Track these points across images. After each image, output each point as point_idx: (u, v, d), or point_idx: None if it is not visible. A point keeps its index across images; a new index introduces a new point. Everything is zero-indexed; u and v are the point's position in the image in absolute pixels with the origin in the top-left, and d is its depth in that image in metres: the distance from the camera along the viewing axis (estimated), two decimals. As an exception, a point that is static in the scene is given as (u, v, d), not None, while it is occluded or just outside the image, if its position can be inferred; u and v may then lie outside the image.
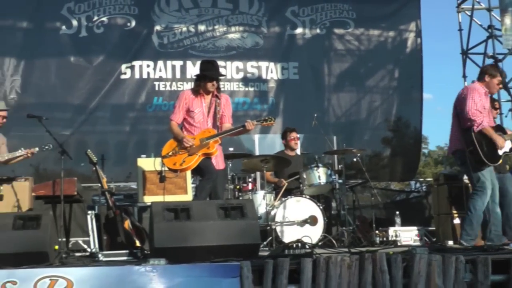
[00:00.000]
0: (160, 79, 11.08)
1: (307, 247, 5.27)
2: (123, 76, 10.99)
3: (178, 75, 11.10)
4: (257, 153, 9.47)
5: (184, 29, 11.23)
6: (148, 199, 7.95)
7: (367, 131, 11.70)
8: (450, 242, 7.56)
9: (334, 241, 7.64)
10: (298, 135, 8.81)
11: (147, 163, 8.13)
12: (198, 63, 6.77)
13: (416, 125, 11.99)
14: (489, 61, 7.34)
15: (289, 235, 7.35)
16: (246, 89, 11.43)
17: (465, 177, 7.81)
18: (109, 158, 10.05)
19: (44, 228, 5.26)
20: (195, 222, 5.20)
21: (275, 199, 7.84)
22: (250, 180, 8.40)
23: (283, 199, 7.69)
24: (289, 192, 7.96)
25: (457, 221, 8.20)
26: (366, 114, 11.72)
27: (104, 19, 10.97)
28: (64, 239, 7.47)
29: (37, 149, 7.52)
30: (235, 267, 4.55)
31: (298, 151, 8.96)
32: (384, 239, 7.95)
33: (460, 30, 12.01)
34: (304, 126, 9.49)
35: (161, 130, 10.00)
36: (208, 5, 11.34)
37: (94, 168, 7.74)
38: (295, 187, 8.15)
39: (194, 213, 5.25)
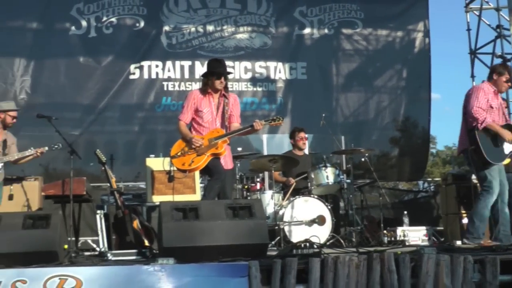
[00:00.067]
0: (169, 79, 11.12)
1: (315, 247, 5.27)
2: (132, 76, 11.03)
3: (186, 75, 11.14)
4: (265, 153, 9.48)
5: (193, 29, 11.26)
6: (156, 199, 7.99)
7: (375, 131, 11.69)
8: (459, 242, 7.53)
9: (342, 241, 7.65)
10: (306, 135, 8.82)
11: (156, 163, 8.17)
12: (207, 63, 6.78)
13: (424, 125, 11.96)
14: (498, 61, 7.32)
15: (297, 234, 7.35)
16: (255, 89, 11.45)
17: (474, 176, 7.81)
18: (118, 158, 10.09)
19: (54, 228, 5.27)
20: (203, 222, 5.21)
21: (283, 199, 7.85)
22: (258, 180, 8.41)
23: (291, 198, 7.70)
24: (297, 192, 7.97)
25: (465, 221, 8.17)
26: (374, 114, 11.71)
27: (113, 19, 11.02)
28: (73, 239, 7.55)
29: (46, 148, 7.57)
30: (243, 267, 4.54)
31: (306, 151, 8.96)
32: (392, 239, 7.94)
33: (469, 30, 11.99)
34: (312, 126, 9.49)
35: (169, 130, 10.04)
36: (217, 6, 11.36)
37: (103, 168, 7.79)
38: (303, 187, 8.15)
39: (202, 213, 5.25)
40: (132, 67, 11.02)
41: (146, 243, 7.39)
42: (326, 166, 8.00)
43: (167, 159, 6.81)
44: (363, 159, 8.86)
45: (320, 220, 7.54)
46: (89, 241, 8.76)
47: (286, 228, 7.47)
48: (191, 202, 6.19)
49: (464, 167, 10.01)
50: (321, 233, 7.27)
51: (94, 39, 10.94)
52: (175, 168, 6.57)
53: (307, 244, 5.32)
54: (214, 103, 6.46)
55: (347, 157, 9.03)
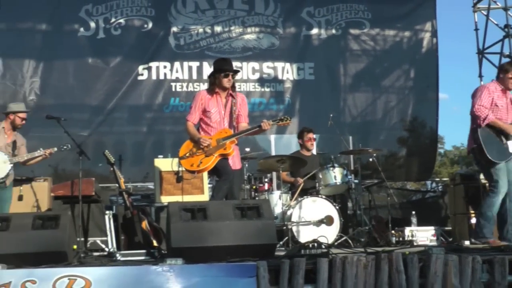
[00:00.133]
0: (177, 80, 11.16)
1: (323, 247, 5.28)
2: (140, 77, 11.07)
3: (194, 76, 11.17)
4: (273, 153, 9.50)
5: (201, 30, 11.29)
6: (165, 199, 8.01)
7: (383, 131, 11.68)
8: (467, 242, 7.51)
9: (350, 241, 7.65)
10: (315, 136, 8.82)
11: (164, 164, 8.19)
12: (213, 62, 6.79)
13: (432, 125, 11.94)
14: (506, 61, 7.31)
15: (305, 235, 7.35)
16: (262, 89, 11.46)
17: (482, 176, 7.80)
18: (127, 159, 10.16)
19: (63, 228, 5.30)
20: (211, 222, 5.22)
21: (291, 199, 7.85)
22: (266, 180, 8.42)
23: (299, 199, 7.69)
24: (305, 192, 7.96)
25: (473, 221, 8.15)
26: (382, 114, 11.70)
27: (122, 20, 11.06)
28: (82, 239, 7.57)
29: (55, 149, 7.62)
30: (251, 267, 4.55)
31: (314, 151, 8.96)
32: (400, 239, 7.92)
33: (476, 29, 11.95)
34: (320, 126, 9.49)
35: (177, 130, 10.05)
36: (224, 6, 11.39)
37: (111, 169, 7.80)
38: (311, 187, 8.16)
39: (210, 213, 5.27)
40: (140, 68, 11.07)
41: (155, 243, 7.40)
42: (334, 166, 8.00)
43: (176, 160, 6.83)
44: (371, 159, 8.86)
45: (328, 220, 7.53)
46: (98, 242, 8.80)
47: (294, 228, 7.47)
48: (199, 202, 6.22)
49: (472, 167, 10.00)
50: (329, 233, 7.25)
51: (102, 40, 11.00)
52: (183, 169, 6.58)
53: (315, 244, 5.32)
54: (222, 103, 6.45)
55: (355, 157, 9.03)
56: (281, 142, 10.64)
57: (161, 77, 11.15)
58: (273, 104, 11.46)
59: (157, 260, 5.89)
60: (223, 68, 6.43)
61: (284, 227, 7.46)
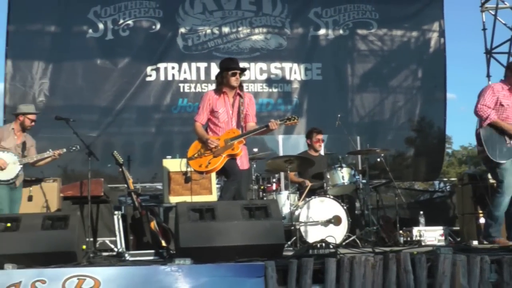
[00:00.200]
0: (185, 80, 11.20)
1: (331, 247, 5.29)
2: (148, 78, 11.12)
3: (202, 77, 11.21)
4: (281, 153, 9.51)
5: (208, 31, 11.32)
6: (173, 200, 8.03)
7: (390, 131, 11.67)
8: (475, 242, 7.52)
9: (358, 241, 7.65)
10: (323, 137, 8.83)
11: (173, 164, 8.22)
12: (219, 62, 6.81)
13: (439, 125, 11.91)
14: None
15: (313, 235, 7.36)
16: (270, 90, 11.48)
17: (490, 176, 7.78)
18: (135, 159, 10.18)
19: (72, 228, 5.31)
20: (220, 222, 5.23)
21: (299, 199, 7.85)
22: (274, 180, 8.41)
23: (307, 199, 7.69)
24: (313, 192, 7.97)
25: (482, 220, 8.14)
26: (389, 114, 11.69)
27: (130, 22, 11.11)
28: (91, 239, 7.59)
29: (64, 150, 7.67)
30: (259, 267, 4.55)
31: (322, 152, 8.97)
32: (408, 239, 7.93)
33: (484, 29, 11.93)
34: (327, 127, 9.47)
35: (186, 131, 10.07)
36: (232, 7, 11.41)
37: (120, 169, 7.83)
38: (319, 187, 8.16)
39: (219, 214, 5.28)
40: (149, 69, 11.11)
41: (163, 243, 7.41)
42: (341, 167, 8.00)
43: (184, 160, 6.85)
44: (378, 159, 8.85)
45: (336, 220, 7.53)
46: (107, 242, 8.83)
47: (302, 229, 7.48)
48: (207, 202, 6.25)
49: (480, 167, 9.96)
50: (337, 233, 7.27)
51: (111, 41, 11.05)
52: (191, 169, 6.59)
53: (323, 244, 5.33)
54: (230, 102, 6.44)
55: (363, 157, 9.03)
56: (289, 143, 10.66)
57: (169, 78, 11.19)
58: (281, 104, 11.47)
59: (165, 260, 5.91)
60: (230, 67, 6.43)
61: (292, 227, 7.47)
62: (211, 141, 6.22)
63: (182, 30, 11.28)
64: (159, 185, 9.72)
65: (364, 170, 8.55)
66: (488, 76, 11.70)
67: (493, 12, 11.75)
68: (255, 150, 8.42)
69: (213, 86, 6.71)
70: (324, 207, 7.62)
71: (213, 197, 8.02)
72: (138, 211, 7.69)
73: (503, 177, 6.49)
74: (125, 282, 4.48)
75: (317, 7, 11.67)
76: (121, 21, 11.06)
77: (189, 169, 7.16)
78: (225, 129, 6.37)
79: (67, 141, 7.95)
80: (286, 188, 8.26)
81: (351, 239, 7.62)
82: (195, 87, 11.19)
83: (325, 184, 8.00)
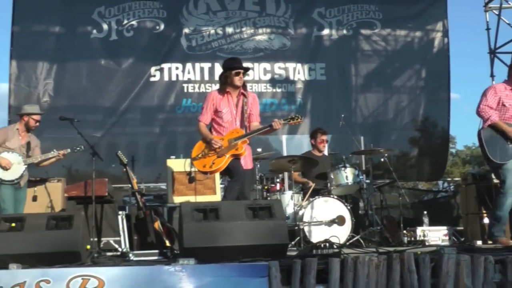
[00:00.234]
0: (189, 81, 11.22)
1: (335, 247, 5.30)
2: (152, 79, 11.14)
3: (206, 77, 11.22)
4: (284, 153, 9.50)
5: (212, 31, 11.34)
6: (177, 200, 8.05)
7: (394, 131, 11.66)
8: (479, 242, 7.52)
9: (362, 241, 7.66)
10: (327, 138, 8.83)
11: (176, 164, 8.23)
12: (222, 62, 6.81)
13: (443, 125, 11.89)
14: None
15: (317, 235, 7.35)
16: (274, 90, 11.49)
17: (494, 176, 7.78)
18: (139, 159, 10.21)
19: (76, 228, 5.33)
20: (223, 222, 5.24)
21: (303, 199, 7.86)
22: (278, 180, 8.42)
23: (311, 199, 7.69)
24: (316, 192, 7.97)
25: (486, 220, 8.13)
26: (393, 114, 11.69)
27: (134, 22, 11.14)
28: (95, 239, 7.61)
29: (69, 150, 7.69)
30: (263, 267, 4.56)
31: (326, 152, 8.97)
32: (412, 239, 7.92)
33: (488, 29, 11.92)
34: (331, 127, 9.46)
35: (190, 131, 10.10)
36: (236, 8, 11.42)
37: (124, 169, 7.83)
38: (322, 187, 8.17)
39: (222, 214, 5.29)
40: (153, 69, 11.13)
41: (167, 243, 7.42)
42: (345, 167, 8.02)
43: (188, 160, 6.85)
44: (382, 159, 8.86)
45: (340, 220, 7.53)
46: (111, 242, 8.85)
47: (306, 229, 7.48)
48: (211, 203, 6.25)
49: (484, 167, 9.95)
50: (341, 233, 7.27)
51: (115, 42, 11.08)
52: (196, 170, 6.61)
53: (327, 244, 5.35)
54: (233, 102, 6.45)
55: (367, 157, 9.04)
56: (293, 143, 10.65)
57: (173, 78, 11.21)
58: (285, 104, 11.48)
59: (169, 260, 5.91)
60: (233, 66, 6.44)
61: (296, 227, 7.47)
62: (215, 142, 6.23)
63: (186, 30, 11.30)
64: (163, 185, 9.72)
65: (368, 170, 8.55)
66: (492, 76, 11.69)
67: (496, 12, 11.74)
68: (259, 150, 8.43)
69: (217, 87, 6.71)
70: (328, 207, 7.62)
71: (217, 197, 8.03)
72: (142, 211, 7.69)
73: (505, 177, 6.49)
74: (129, 282, 4.49)
75: (320, 7, 11.66)
76: (125, 21, 11.09)
77: (193, 169, 7.16)
78: (229, 129, 6.38)
79: (72, 141, 7.98)
80: (290, 188, 8.26)
81: (354, 239, 7.61)
82: (199, 87, 11.21)
83: (329, 184, 8.01)
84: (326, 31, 11.66)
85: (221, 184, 8.32)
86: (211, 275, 4.54)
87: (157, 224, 7.59)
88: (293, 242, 7.27)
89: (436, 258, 4.75)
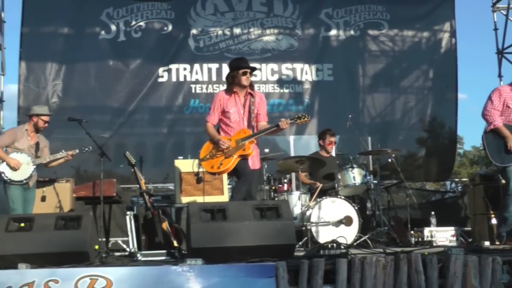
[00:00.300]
0: (197, 81, 11.24)
1: (342, 247, 5.30)
2: (160, 79, 11.17)
3: (214, 78, 11.25)
4: (292, 154, 9.51)
5: (220, 32, 11.36)
6: (185, 200, 8.07)
7: (401, 131, 11.65)
8: (487, 243, 7.50)
9: (369, 242, 7.65)
10: (335, 139, 8.83)
11: (184, 165, 8.26)
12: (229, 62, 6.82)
13: (451, 125, 11.88)
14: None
15: (324, 235, 7.35)
16: (281, 90, 11.50)
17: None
18: (147, 160, 10.22)
19: (85, 229, 5.36)
20: (231, 223, 5.25)
21: (310, 200, 7.87)
22: (285, 181, 8.42)
23: (318, 199, 7.70)
24: (324, 193, 7.98)
25: (493, 221, 8.12)
26: (400, 115, 11.68)
27: (142, 23, 11.17)
28: (104, 239, 7.62)
29: (77, 150, 7.72)
30: (270, 267, 4.57)
31: (333, 153, 8.97)
32: (420, 239, 7.90)
33: (496, 29, 11.90)
34: (339, 127, 9.45)
35: (197, 132, 10.11)
36: (243, 9, 11.45)
37: (132, 170, 7.86)
38: (330, 187, 8.17)
39: (230, 214, 5.30)
40: (161, 70, 11.17)
41: (175, 243, 7.44)
42: (353, 167, 8.01)
43: (196, 161, 6.87)
44: (390, 160, 8.85)
45: (347, 221, 7.54)
46: (119, 242, 8.88)
47: (313, 229, 7.48)
48: (219, 203, 6.26)
49: (491, 167, 9.93)
50: (348, 234, 7.26)
51: (123, 43, 11.12)
52: (203, 170, 6.61)
53: (334, 244, 5.35)
54: (241, 102, 6.44)
55: (374, 157, 9.03)
56: (300, 143, 10.66)
57: (181, 79, 11.24)
58: (292, 105, 11.48)
59: (177, 260, 5.93)
60: (240, 66, 6.45)
61: (303, 228, 7.48)
62: (223, 142, 6.23)
63: (194, 31, 11.32)
64: (171, 186, 9.74)
65: (375, 171, 8.55)
66: (500, 76, 11.66)
67: (504, 12, 11.71)
68: (267, 150, 8.44)
69: (225, 87, 6.72)
70: (335, 208, 7.63)
71: (224, 197, 8.05)
72: (150, 212, 7.72)
73: (509, 179, 6.49)
74: (137, 282, 4.51)
75: (328, 8, 11.67)
76: (133, 22, 11.13)
77: (200, 170, 7.18)
78: (237, 129, 6.37)
79: (80, 142, 8.01)
80: (298, 188, 8.27)
81: (362, 239, 7.62)
82: (206, 88, 11.24)
83: (336, 185, 8.01)
84: (333, 32, 11.67)
85: (228, 184, 8.33)
86: (218, 275, 4.55)
87: (165, 225, 7.61)
88: (300, 243, 7.27)
89: (443, 259, 4.74)
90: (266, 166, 8.29)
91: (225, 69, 10.88)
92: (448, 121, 11.86)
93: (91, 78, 10.97)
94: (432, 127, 11.87)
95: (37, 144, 7.65)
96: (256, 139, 6.42)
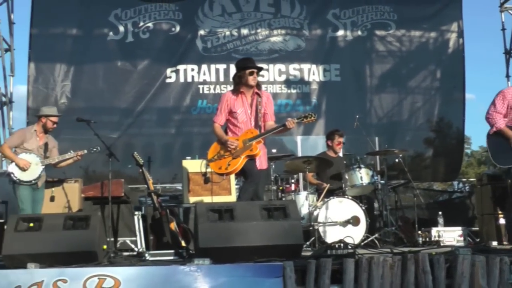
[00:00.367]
0: (204, 82, 11.28)
1: (349, 247, 5.31)
2: (168, 80, 11.22)
3: (221, 78, 11.28)
4: (299, 154, 9.52)
5: (227, 33, 11.39)
6: (193, 200, 8.09)
7: (409, 131, 11.64)
8: (494, 243, 7.49)
9: (376, 242, 7.66)
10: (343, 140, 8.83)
11: (192, 165, 8.27)
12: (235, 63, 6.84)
13: (458, 125, 11.86)
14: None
15: (331, 235, 7.36)
16: (289, 91, 11.52)
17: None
18: (155, 160, 10.22)
19: (93, 228, 5.39)
20: (238, 223, 5.26)
21: (317, 200, 7.88)
22: (293, 181, 8.43)
23: (326, 199, 7.71)
24: (331, 193, 7.99)
25: (501, 221, 8.11)
26: (408, 115, 11.67)
27: (150, 24, 11.22)
28: (112, 239, 7.66)
29: (85, 151, 7.74)
30: (278, 267, 4.58)
31: (340, 153, 8.97)
32: (427, 239, 7.91)
33: (503, 29, 11.89)
34: (346, 127, 9.43)
35: (205, 132, 10.15)
36: (251, 9, 11.47)
37: (140, 170, 7.87)
38: (337, 187, 8.18)
39: (237, 214, 5.31)
40: (168, 71, 11.21)
41: (183, 243, 7.45)
42: (360, 167, 8.01)
43: (204, 161, 6.88)
44: (397, 160, 8.85)
45: (355, 221, 7.54)
46: (128, 242, 8.89)
47: (321, 229, 7.49)
48: (226, 203, 6.25)
49: (499, 168, 9.90)
50: (356, 234, 7.26)
51: (131, 44, 11.17)
52: (211, 171, 6.63)
53: (342, 244, 5.36)
54: (248, 102, 6.43)
55: (381, 158, 9.04)
56: (308, 143, 10.67)
57: (189, 79, 11.28)
58: (300, 105, 11.49)
59: (185, 260, 5.93)
60: (247, 66, 6.44)
61: (311, 228, 7.49)
62: (230, 143, 6.23)
63: (201, 32, 11.36)
64: (179, 186, 9.77)
65: (383, 171, 8.56)
66: (508, 76, 11.65)
67: (512, 12, 11.70)
68: (274, 151, 8.45)
69: (232, 88, 6.73)
70: (343, 208, 7.64)
71: (232, 197, 8.06)
72: (158, 212, 7.73)
73: None
74: (145, 282, 4.53)
75: (335, 9, 11.68)
76: (141, 23, 11.18)
77: (208, 170, 7.19)
78: (244, 129, 6.36)
79: (88, 143, 8.04)
80: (305, 188, 8.28)
81: (369, 239, 7.62)
82: (214, 89, 11.27)
83: (343, 185, 8.02)
84: (340, 32, 11.67)
85: (236, 184, 8.35)
86: (226, 275, 4.56)
87: (173, 225, 7.62)
88: (308, 243, 7.27)
89: (451, 259, 4.73)
90: (273, 166, 8.29)
91: (233, 70, 10.84)
92: (455, 121, 11.83)
93: (99, 79, 11.04)
94: (440, 127, 11.84)
95: (46, 144, 7.69)
96: (264, 139, 6.41)
